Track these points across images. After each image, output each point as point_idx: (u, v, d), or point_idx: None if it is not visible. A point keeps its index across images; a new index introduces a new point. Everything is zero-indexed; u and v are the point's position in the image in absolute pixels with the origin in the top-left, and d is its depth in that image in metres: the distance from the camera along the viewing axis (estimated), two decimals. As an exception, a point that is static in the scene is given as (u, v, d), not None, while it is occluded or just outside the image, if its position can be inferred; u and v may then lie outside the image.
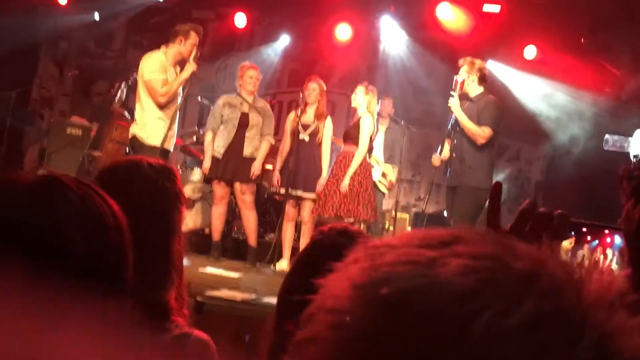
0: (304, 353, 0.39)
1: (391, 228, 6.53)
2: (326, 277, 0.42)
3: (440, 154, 4.98)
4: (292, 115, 5.61)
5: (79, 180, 0.79)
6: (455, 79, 4.97)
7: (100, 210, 0.76)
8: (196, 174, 6.25)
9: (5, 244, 0.69)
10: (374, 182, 5.66)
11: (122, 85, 7.02)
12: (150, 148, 4.75)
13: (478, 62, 4.95)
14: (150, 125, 4.81)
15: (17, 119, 7.70)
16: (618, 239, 3.44)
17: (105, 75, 8.79)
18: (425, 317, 0.35)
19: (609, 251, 3.47)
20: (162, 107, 4.80)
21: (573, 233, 1.01)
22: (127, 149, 7.07)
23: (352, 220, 5.11)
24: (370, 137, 5.29)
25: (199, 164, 6.57)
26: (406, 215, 7.09)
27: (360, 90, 5.34)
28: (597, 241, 3.61)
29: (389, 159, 6.38)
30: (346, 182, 5.14)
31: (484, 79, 4.92)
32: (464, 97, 4.97)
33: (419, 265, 0.38)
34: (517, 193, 8.43)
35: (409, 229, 6.97)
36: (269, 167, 5.83)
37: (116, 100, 7.11)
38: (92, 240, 0.74)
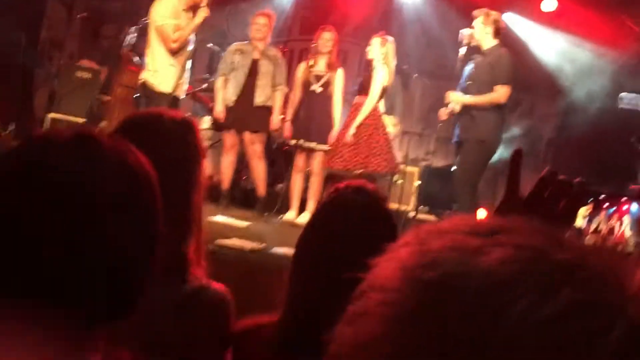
0: (355, 325, 0.42)
1: (400, 181, 6.53)
2: (378, 257, 0.43)
3: (447, 107, 4.93)
4: (302, 65, 5.50)
5: (114, 138, 0.80)
6: (461, 33, 4.89)
7: (135, 169, 0.77)
8: (205, 122, 6.22)
9: (43, 202, 0.70)
10: None
11: (132, 30, 6.92)
12: (161, 95, 4.73)
13: (494, 13, 4.86)
14: (162, 72, 4.77)
15: (27, 60, 7.64)
16: (635, 207, 3.44)
17: (114, 19, 8.65)
18: (464, 302, 0.38)
19: (625, 218, 3.47)
20: (174, 53, 4.75)
21: (591, 200, 1.01)
22: (136, 94, 7.06)
23: (361, 171, 5.07)
24: (384, 89, 5.21)
25: (209, 111, 6.53)
26: (415, 169, 7.07)
27: (376, 42, 5.24)
28: (614, 208, 3.60)
29: (388, 110, 6.29)
30: (351, 131, 5.10)
31: (499, 32, 4.82)
32: (476, 49, 4.91)
33: (463, 252, 0.40)
34: (527, 150, 8.34)
35: (417, 182, 6.97)
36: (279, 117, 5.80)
37: (125, 44, 7.02)
38: (122, 193, 0.74)
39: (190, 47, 4.92)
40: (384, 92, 5.25)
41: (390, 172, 5.44)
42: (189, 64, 4.97)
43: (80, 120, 7.07)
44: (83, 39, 8.75)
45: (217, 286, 1.31)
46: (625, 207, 3.53)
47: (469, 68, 4.91)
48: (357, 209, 1.21)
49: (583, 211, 3.56)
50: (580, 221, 3.65)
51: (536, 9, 7.36)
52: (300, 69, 5.48)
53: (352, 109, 5.34)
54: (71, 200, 0.72)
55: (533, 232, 0.41)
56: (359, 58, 8.21)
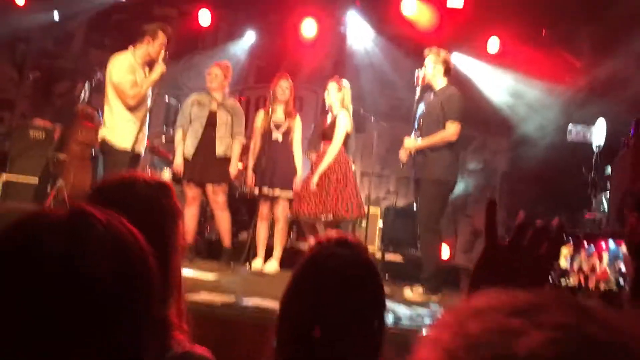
0: None
1: (363, 223, 6.57)
2: (418, 341, 0.45)
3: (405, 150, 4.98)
4: (261, 113, 5.54)
5: (106, 213, 0.79)
6: (417, 73, 5.00)
7: (127, 243, 0.76)
8: (165, 175, 6.17)
9: (35, 278, 0.69)
10: None
11: (85, 86, 6.87)
12: (121, 151, 4.67)
13: (443, 52, 4.97)
14: (120, 128, 4.73)
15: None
16: (612, 244, 3.55)
17: (66, 76, 8.59)
18: None
19: (604, 255, 3.57)
20: (131, 109, 4.72)
21: (570, 240, 1.05)
22: (92, 151, 6.95)
23: (331, 218, 5.08)
24: (347, 133, 5.27)
25: (168, 164, 6.49)
26: (377, 210, 7.14)
27: (332, 87, 5.31)
28: (593, 246, 3.70)
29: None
30: (315, 179, 5.10)
31: (449, 70, 4.93)
32: (427, 88, 4.99)
33: (504, 334, 0.41)
34: (482, 184, 8.58)
35: (380, 222, 7.02)
36: (239, 166, 5.80)
37: (80, 100, 6.95)
38: (120, 273, 0.73)
39: (149, 102, 4.91)
40: (348, 137, 5.29)
41: (358, 217, 5.45)
42: (147, 118, 4.94)
43: (35, 179, 6.93)
44: (35, 97, 8.64)
45: (201, 350, 1.29)
46: (603, 245, 3.64)
47: (421, 108, 5.00)
48: (342, 262, 1.22)
49: (565, 252, 3.65)
50: (563, 262, 3.74)
51: (482, 50, 7.66)
52: (259, 117, 5.51)
53: (317, 155, 5.36)
54: (61, 275, 0.71)
55: (566, 308, 0.43)
56: (315, 104, 8.36)
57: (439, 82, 4.88)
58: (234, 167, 5.31)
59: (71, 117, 6.81)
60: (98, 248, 0.74)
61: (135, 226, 1.03)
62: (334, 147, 5.16)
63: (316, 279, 1.22)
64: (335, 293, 1.18)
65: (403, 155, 4.97)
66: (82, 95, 6.92)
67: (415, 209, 5.21)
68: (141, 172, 1.46)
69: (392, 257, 6.72)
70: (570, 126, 6.55)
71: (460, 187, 8.37)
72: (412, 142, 4.90)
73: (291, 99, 5.44)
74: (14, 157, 7.20)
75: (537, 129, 7.44)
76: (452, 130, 4.71)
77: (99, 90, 7.74)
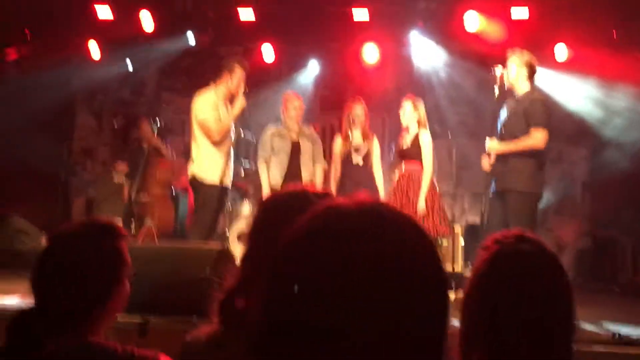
0: None
1: (444, 242, 6.46)
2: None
3: (488, 157, 4.74)
4: (339, 139, 5.61)
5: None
6: (495, 72, 4.71)
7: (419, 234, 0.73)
8: (246, 208, 6.29)
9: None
10: None
11: (152, 124, 7.06)
12: (211, 186, 4.82)
13: (527, 54, 4.70)
14: (208, 164, 4.89)
15: (63, 170, 7.88)
16: None
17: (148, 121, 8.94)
18: None
19: None
20: (217, 144, 4.88)
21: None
22: (172, 190, 7.18)
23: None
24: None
25: (247, 196, 6.61)
26: (459, 227, 7.02)
27: (408, 105, 5.32)
28: None
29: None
30: (422, 204, 5.11)
31: (533, 73, 4.66)
32: (508, 93, 4.74)
33: None
34: (562, 195, 8.32)
35: (462, 240, 6.89)
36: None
37: (152, 135, 7.12)
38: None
39: (232, 137, 5.06)
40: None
41: (448, 235, 5.46)
42: (232, 152, 5.10)
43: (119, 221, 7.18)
44: (114, 144, 9.03)
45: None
46: None
47: (503, 114, 4.75)
48: (528, 258, 1.20)
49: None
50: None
51: (552, 58, 7.50)
52: (337, 143, 5.58)
53: (403, 178, 5.32)
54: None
55: None
56: (380, 128, 8.37)
57: (523, 86, 4.63)
58: None
59: (147, 158, 7.01)
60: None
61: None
62: (429, 168, 5.17)
63: (503, 277, 1.19)
64: (526, 291, 1.16)
65: (486, 162, 4.73)
66: (153, 130, 7.08)
67: (486, 222, 4.92)
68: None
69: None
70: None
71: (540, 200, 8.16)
72: (495, 144, 4.65)
73: (367, 122, 5.49)
74: (100, 202, 7.52)
75: (617, 134, 7.19)
76: (538, 137, 4.46)
77: (169, 128, 8.07)
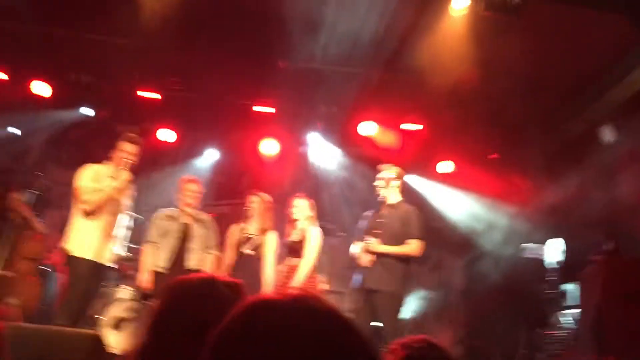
0: None
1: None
2: None
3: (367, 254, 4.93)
4: (235, 227, 5.54)
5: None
6: (377, 186, 5.04)
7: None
8: (124, 292, 5.90)
9: None
10: None
11: (25, 194, 6.62)
12: (81, 260, 4.50)
13: (398, 169, 5.16)
14: (81, 237, 4.60)
15: None
16: None
17: (19, 190, 8.35)
18: None
19: None
20: (90, 216, 4.63)
21: None
22: (40, 267, 6.61)
23: None
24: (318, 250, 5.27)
25: (126, 279, 6.24)
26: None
27: (303, 203, 5.39)
28: None
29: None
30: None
31: (403, 187, 5.15)
32: (383, 203, 5.06)
33: None
34: (441, 301, 8.62)
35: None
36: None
37: (22, 207, 6.64)
38: None
39: (121, 216, 4.80)
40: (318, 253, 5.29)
41: None
42: (116, 232, 4.79)
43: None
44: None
45: None
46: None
47: (373, 219, 5.05)
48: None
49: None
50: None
51: (434, 170, 8.04)
52: (233, 232, 5.49)
53: (286, 272, 5.31)
54: None
55: None
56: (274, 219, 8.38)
57: (396, 197, 5.03)
58: None
59: (14, 231, 6.49)
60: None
61: None
62: (307, 264, 5.13)
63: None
64: None
65: (365, 260, 4.91)
66: (25, 202, 6.62)
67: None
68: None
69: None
70: (524, 244, 6.80)
71: (418, 305, 8.40)
72: (377, 245, 4.88)
73: (266, 214, 5.47)
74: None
75: (492, 246, 7.67)
76: (417, 246, 4.84)
77: (47, 200, 7.55)
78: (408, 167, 8.03)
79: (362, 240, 5.00)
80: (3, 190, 7.92)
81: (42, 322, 5.88)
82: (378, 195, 5.08)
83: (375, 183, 5.11)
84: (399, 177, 5.12)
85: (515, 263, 7.05)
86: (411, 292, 8.20)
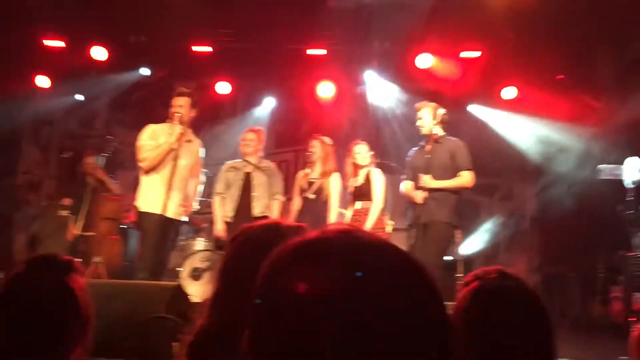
0: None
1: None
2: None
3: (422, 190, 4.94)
4: (301, 173, 5.63)
5: None
6: (418, 125, 5.03)
7: None
8: (199, 244, 6.13)
9: None
10: None
11: (96, 156, 6.86)
12: (149, 215, 4.67)
13: (434, 104, 5.07)
14: (146, 193, 4.76)
15: (5, 206, 7.54)
16: None
17: (93, 155, 8.70)
18: None
19: None
20: (147, 172, 4.77)
21: None
22: (119, 224, 6.92)
23: None
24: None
25: (200, 232, 6.46)
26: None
27: (363, 148, 5.40)
28: None
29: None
30: None
31: (446, 120, 5.04)
32: (428, 139, 5.04)
33: None
34: (513, 231, 8.49)
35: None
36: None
37: (98, 170, 6.90)
38: None
39: (177, 168, 4.84)
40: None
41: None
42: (177, 185, 4.85)
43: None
44: (61, 178, 8.73)
45: None
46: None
47: (420, 155, 5.04)
48: (511, 294, 1.19)
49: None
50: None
51: (497, 98, 7.76)
52: (298, 177, 5.57)
53: (353, 215, 5.35)
54: None
55: None
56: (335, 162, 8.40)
57: (439, 131, 4.98)
58: None
59: (93, 193, 6.76)
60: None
61: None
62: (376, 208, 5.23)
63: (488, 312, 1.17)
64: (511, 325, 1.14)
65: (419, 196, 4.90)
66: (99, 164, 6.87)
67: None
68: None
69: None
70: (600, 166, 6.51)
71: (489, 236, 8.31)
72: (430, 180, 4.86)
73: (328, 158, 5.49)
74: (43, 238, 7.19)
75: (564, 171, 7.42)
76: (469, 178, 4.83)
77: (116, 162, 7.85)
78: (471, 96, 7.84)
79: (411, 178, 4.98)
80: (77, 156, 8.29)
81: (126, 278, 6.23)
82: (420, 131, 4.98)
83: (417, 121, 5.01)
84: (437, 112, 5.02)
85: (591, 185, 6.79)
86: (477, 223, 8.15)
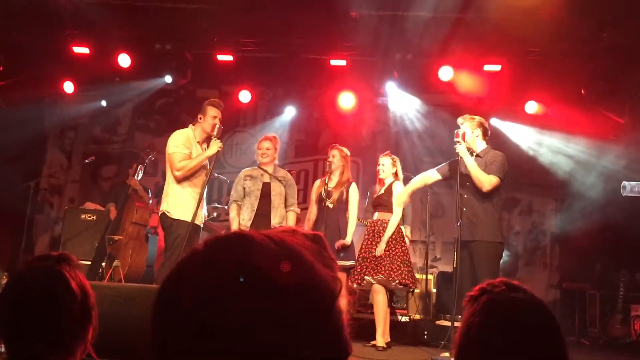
0: None
1: (417, 291, 6.43)
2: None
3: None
4: (317, 182, 5.66)
5: None
6: (456, 132, 4.98)
7: None
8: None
9: None
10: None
11: (139, 167, 7.03)
12: (179, 222, 4.70)
13: (477, 117, 4.98)
14: (178, 201, 4.77)
15: (29, 207, 7.65)
16: None
17: (113, 160, 8.84)
18: None
19: None
20: (179, 181, 4.78)
21: None
22: (147, 230, 7.01)
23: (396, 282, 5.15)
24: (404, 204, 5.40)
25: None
26: (431, 277, 6.99)
27: (386, 161, 5.44)
28: None
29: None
30: (381, 246, 5.19)
31: (486, 132, 4.95)
32: (469, 153, 4.92)
33: None
34: (532, 246, 8.41)
35: (434, 290, 6.86)
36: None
37: (135, 179, 7.06)
38: None
39: (206, 177, 4.91)
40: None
41: (411, 286, 5.45)
42: (204, 193, 4.94)
43: (85, 262, 6.95)
44: (83, 182, 8.86)
45: None
46: None
47: (463, 168, 4.91)
48: (521, 307, 1.19)
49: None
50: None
51: (524, 112, 7.70)
52: (315, 186, 5.61)
53: (371, 223, 5.42)
54: None
55: None
56: (355, 174, 8.41)
57: (480, 145, 4.90)
58: None
59: (126, 199, 6.89)
60: None
61: None
62: (396, 218, 5.31)
63: (498, 325, 1.17)
64: (519, 339, 1.14)
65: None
66: (138, 175, 7.04)
67: (458, 271, 5.02)
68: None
69: (446, 322, 6.52)
70: (624, 182, 6.43)
71: (509, 251, 8.24)
72: (463, 149, 4.77)
73: (345, 168, 5.54)
74: (65, 241, 7.30)
75: (586, 187, 7.34)
76: (490, 179, 4.68)
77: (148, 172, 7.96)
78: (492, 109, 7.79)
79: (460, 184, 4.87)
80: (104, 159, 8.41)
81: (146, 282, 6.29)
82: (463, 138, 4.90)
83: (456, 131, 4.94)
84: (479, 124, 4.93)
85: (615, 202, 6.70)
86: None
